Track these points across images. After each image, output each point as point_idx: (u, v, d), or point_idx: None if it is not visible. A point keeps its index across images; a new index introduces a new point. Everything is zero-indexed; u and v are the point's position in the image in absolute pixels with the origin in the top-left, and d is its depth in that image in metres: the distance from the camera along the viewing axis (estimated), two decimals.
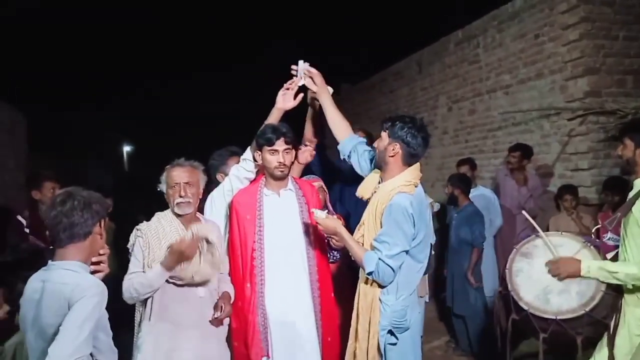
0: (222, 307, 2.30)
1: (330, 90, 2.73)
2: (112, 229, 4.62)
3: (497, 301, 2.60)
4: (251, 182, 2.71)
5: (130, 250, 2.32)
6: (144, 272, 2.25)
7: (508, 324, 2.48)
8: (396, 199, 2.20)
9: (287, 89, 2.75)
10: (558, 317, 2.26)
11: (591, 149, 4.69)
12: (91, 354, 1.60)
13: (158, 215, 2.40)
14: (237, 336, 2.52)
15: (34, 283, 1.69)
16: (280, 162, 2.51)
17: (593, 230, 2.76)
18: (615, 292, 2.29)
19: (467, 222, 4.03)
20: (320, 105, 2.75)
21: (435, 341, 4.55)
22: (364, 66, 9.25)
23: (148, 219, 2.41)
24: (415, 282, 2.31)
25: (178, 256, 2.17)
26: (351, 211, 3.25)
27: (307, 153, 2.89)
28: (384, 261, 2.15)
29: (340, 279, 2.84)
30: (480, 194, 4.41)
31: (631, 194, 2.33)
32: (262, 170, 2.67)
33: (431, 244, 2.99)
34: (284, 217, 2.58)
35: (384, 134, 2.32)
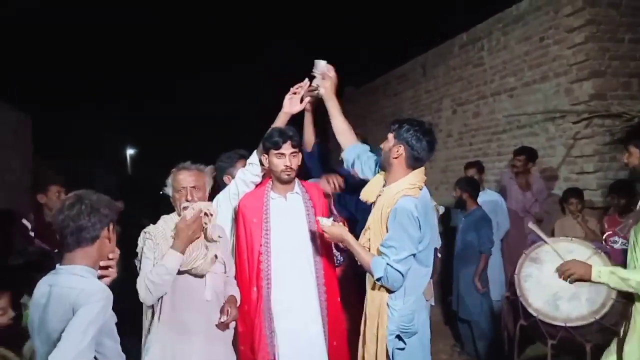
0: (228, 310, 2.29)
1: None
2: (117, 232, 4.61)
3: (505, 306, 2.59)
4: (258, 185, 2.71)
5: (139, 254, 2.31)
6: None
7: (516, 329, 2.46)
8: (401, 203, 2.19)
9: (294, 92, 2.75)
10: (567, 324, 2.25)
11: (597, 152, 4.66)
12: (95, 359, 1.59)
13: (164, 218, 2.40)
14: (244, 340, 2.51)
15: (42, 287, 1.69)
16: (287, 166, 2.51)
17: (604, 237, 2.74)
18: (626, 300, 2.27)
19: (474, 227, 4.01)
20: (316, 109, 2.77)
21: (441, 345, 4.54)
22: (368, 69, 9.24)
23: (152, 222, 2.41)
24: (422, 287, 2.30)
25: (186, 233, 2.19)
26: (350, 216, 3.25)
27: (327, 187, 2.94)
28: (392, 266, 2.14)
29: (345, 282, 2.83)
30: (488, 199, 4.38)
31: None
32: (268, 173, 2.66)
33: (436, 248, 2.98)
34: (290, 221, 2.57)
35: (390, 136, 2.32)
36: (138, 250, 2.32)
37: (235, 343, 2.49)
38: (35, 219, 3.68)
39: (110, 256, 1.77)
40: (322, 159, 3.37)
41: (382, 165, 2.41)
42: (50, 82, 12.80)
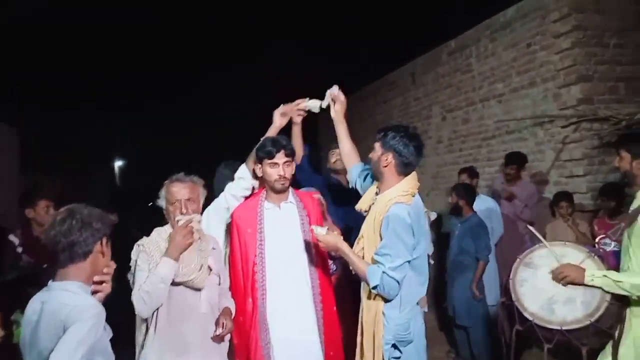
0: (223, 323, 2.26)
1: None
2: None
3: (500, 311, 2.59)
4: (251, 195, 2.70)
5: (132, 267, 2.28)
6: None
7: (512, 334, 2.46)
8: (393, 210, 2.19)
9: (283, 113, 2.78)
10: (563, 328, 2.25)
11: (585, 155, 4.71)
12: None
13: (157, 230, 2.37)
14: (240, 352, 2.49)
15: (34, 304, 1.65)
16: (280, 175, 2.50)
17: (597, 240, 2.77)
18: (620, 302, 2.28)
19: (471, 234, 4.01)
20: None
21: (436, 351, 4.52)
22: (357, 76, 9.28)
23: (142, 234, 2.39)
24: (419, 295, 2.29)
25: (177, 239, 2.19)
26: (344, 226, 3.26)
27: None
28: (388, 274, 2.13)
29: (340, 291, 2.82)
30: (483, 204, 4.37)
31: (634, 205, 2.33)
32: (262, 183, 2.65)
33: (428, 255, 2.98)
34: (285, 230, 2.56)
35: (377, 145, 2.33)
36: (131, 263, 2.29)
37: (231, 355, 2.46)
38: (23, 234, 3.61)
39: (105, 270, 1.73)
40: (313, 168, 3.38)
41: (374, 176, 2.42)
42: (37, 95, 12.68)
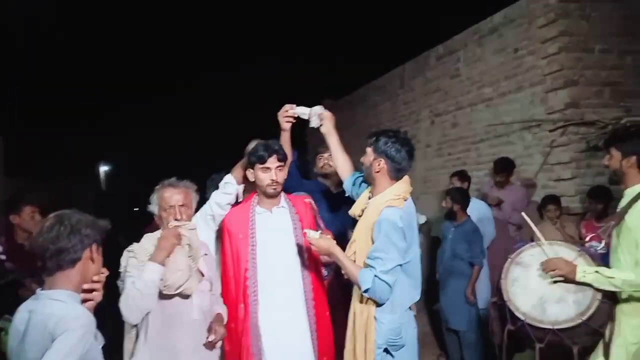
0: (215, 329, 2.23)
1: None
2: None
3: (492, 312, 2.59)
4: (243, 200, 2.67)
5: (122, 274, 2.24)
6: None
7: (504, 334, 2.46)
8: (385, 214, 2.19)
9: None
10: (555, 327, 2.26)
11: (573, 159, 4.76)
12: None
13: (148, 236, 2.33)
14: (231, 359, 2.45)
15: (22, 313, 1.60)
16: (272, 180, 2.49)
17: (587, 240, 2.79)
18: (611, 301, 2.30)
19: (465, 239, 4.01)
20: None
21: (427, 356, 4.52)
22: (346, 81, 9.31)
23: (128, 240, 2.35)
24: (412, 299, 2.29)
25: (163, 243, 2.16)
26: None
27: None
28: (379, 277, 2.12)
29: (332, 297, 2.80)
30: (475, 208, 4.36)
31: (622, 203, 2.36)
32: (254, 188, 2.62)
33: None
34: (277, 235, 2.54)
35: (369, 150, 2.34)
36: (121, 269, 2.24)
37: None
38: (7, 240, 3.52)
39: (95, 278, 1.69)
40: (301, 174, 3.37)
41: (366, 179, 2.42)
42: (22, 101, 12.49)
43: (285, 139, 2.81)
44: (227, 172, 2.85)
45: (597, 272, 2.26)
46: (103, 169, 21.62)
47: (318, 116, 2.69)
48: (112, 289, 2.23)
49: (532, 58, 5.11)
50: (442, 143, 6.67)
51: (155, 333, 2.19)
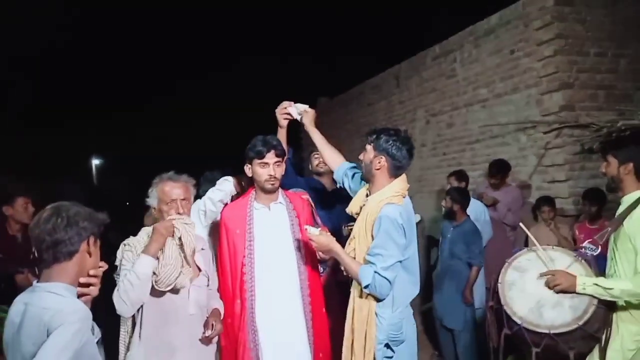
0: (212, 325, 2.22)
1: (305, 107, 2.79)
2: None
3: (488, 315, 2.60)
4: (241, 195, 2.66)
5: (118, 267, 2.21)
6: None
7: (500, 338, 2.47)
8: (385, 211, 2.20)
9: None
10: (552, 332, 2.27)
11: (567, 161, 4.80)
12: None
13: (145, 230, 2.31)
14: (227, 355, 2.45)
15: (17, 305, 1.58)
16: (270, 175, 2.48)
17: (584, 245, 2.81)
18: (606, 306, 2.32)
19: (464, 240, 4.01)
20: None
21: (421, 355, 4.52)
22: (341, 79, 9.31)
23: (118, 235, 2.33)
24: (411, 295, 2.31)
25: (155, 234, 2.15)
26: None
27: None
28: (379, 274, 2.13)
29: (328, 293, 2.80)
30: (472, 208, 4.36)
31: (620, 210, 2.38)
32: (251, 184, 2.61)
33: None
34: (274, 231, 2.54)
35: (369, 147, 2.34)
36: (117, 262, 2.22)
37: (218, 357, 2.42)
38: None
39: (92, 272, 1.66)
40: (296, 171, 3.37)
41: (365, 177, 2.42)
42: (11, 96, 12.36)
43: (282, 136, 2.81)
44: (220, 169, 2.87)
45: (596, 284, 2.28)
46: (95, 162, 21.44)
47: (300, 113, 2.74)
48: (107, 284, 2.21)
49: (528, 60, 5.14)
50: (437, 143, 6.68)
51: (152, 328, 2.18)
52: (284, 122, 2.78)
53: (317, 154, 3.42)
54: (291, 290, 2.49)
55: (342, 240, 2.56)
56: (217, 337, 2.32)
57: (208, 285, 2.37)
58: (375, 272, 2.13)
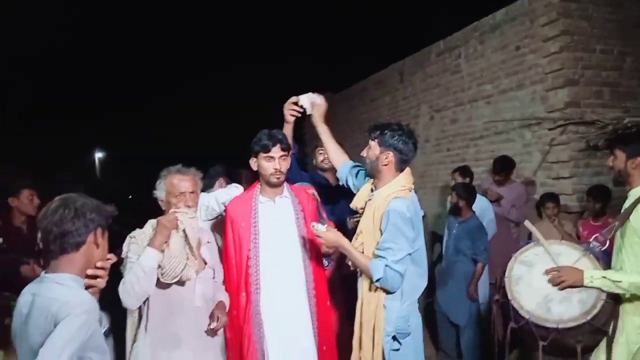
0: (218, 317, 2.23)
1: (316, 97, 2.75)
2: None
3: (495, 309, 2.60)
4: (246, 189, 2.67)
5: (124, 259, 2.22)
6: None
7: (506, 333, 2.47)
8: (393, 204, 2.21)
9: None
10: (560, 326, 2.26)
11: (572, 157, 4.79)
12: None
13: (151, 222, 2.31)
14: (232, 347, 2.46)
15: (25, 296, 1.58)
16: (276, 169, 2.48)
17: (591, 240, 2.79)
18: (614, 300, 2.32)
19: (469, 235, 4.01)
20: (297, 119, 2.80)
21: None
22: (345, 74, 9.29)
23: (121, 228, 2.33)
24: (420, 288, 2.32)
25: (159, 227, 2.15)
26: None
27: None
28: (391, 267, 2.14)
29: (332, 286, 2.81)
30: (477, 204, 4.36)
31: (626, 204, 2.37)
32: (257, 177, 2.62)
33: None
34: (279, 225, 2.54)
35: (374, 143, 2.33)
36: (123, 255, 2.23)
37: (224, 349, 2.43)
38: (4, 224, 3.50)
39: (99, 264, 1.67)
40: (300, 166, 3.38)
41: (370, 173, 2.42)
42: (11, 96, 12.37)
43: (288, 131, 2.80)
44: (222, 165, 2.86)
45: (604, 277, 2.27)
46: (98, 155, 21.46)
47: (310, 103, 2.71)
48: (114, 276, 2.22)
49: (533, 56, 5.12)
50: (441, 139, 6.67)
51: (158, 320, 2.19)
52: (290, 118, 2.77)
53: (322, 149, 3.41)
54: (296, 283, 2.50)
55: (348, 233, 2.56)
56: (222, 329, 2.33)
57: (214, 278, 2.37)
58: (387, 265, 2.14)
